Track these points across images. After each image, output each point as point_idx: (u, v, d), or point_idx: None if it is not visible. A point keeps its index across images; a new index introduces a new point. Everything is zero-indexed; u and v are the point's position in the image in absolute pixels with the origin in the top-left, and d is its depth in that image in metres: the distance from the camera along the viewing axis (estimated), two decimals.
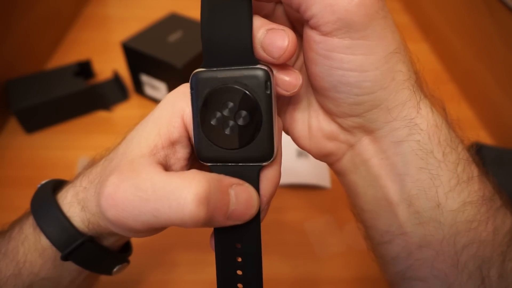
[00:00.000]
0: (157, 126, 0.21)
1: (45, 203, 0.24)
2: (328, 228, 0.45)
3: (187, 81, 0.21)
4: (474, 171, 0.21)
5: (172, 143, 0.21)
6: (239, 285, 0.22)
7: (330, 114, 0.23)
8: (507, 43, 0.53)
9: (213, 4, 0.20)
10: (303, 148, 0.25)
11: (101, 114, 0.59)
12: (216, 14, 0.20)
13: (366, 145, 0.23)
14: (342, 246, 0.43)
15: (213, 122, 0.21)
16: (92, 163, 0.25)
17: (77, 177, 0.25)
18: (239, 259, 0.22)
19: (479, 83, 0.60)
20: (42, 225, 0.23)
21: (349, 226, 0.45)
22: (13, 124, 0.56)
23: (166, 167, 0.21)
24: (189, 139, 0.22)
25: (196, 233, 0.42)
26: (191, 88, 0.21)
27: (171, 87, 0.56)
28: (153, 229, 0.20)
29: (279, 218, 0.46)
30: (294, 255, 0.43)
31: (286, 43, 0.19)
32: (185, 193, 0.18)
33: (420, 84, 0.22)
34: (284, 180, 0.48)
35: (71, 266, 0.25)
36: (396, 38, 0.20)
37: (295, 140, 0.25)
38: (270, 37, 0.19)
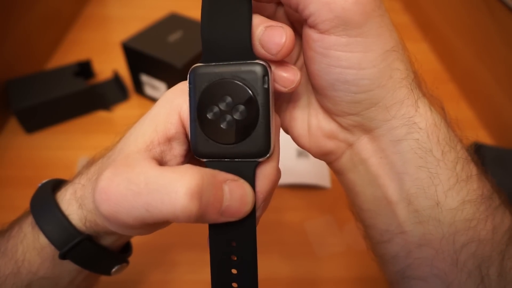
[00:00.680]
0: (154, 123, 0.21)
1: (44, 201, 0.24)
2: (328, 228, 0.45)
3: None
4: (473, 170, 0.22)
5: (169, 140, 0.21)
6: (234, 284, 0.22)
7: (329, 113, 0.23)
8: (507, 43, 0.53)
9: (214, 1, 0.20)
10: (302, 147, 0.25)
11: (101, 114, 0.59)
12: (216, 11, 0.20)
13: (365, 144, 0.23)
14: (342, 246, 0.43)
15: (210, 116, 0.21)
16: (91, 162, 0.25)
17: (76, 176, 0.25)
18: (234, 258, 0.22)
19: (479, 83, 0.60)
20: (40, 224, 0.23)
21: (349, 226, 0.45)
22: (13, 124, 0.56)
23: (162, 163, 0.21)
24: (186, 136, 0.22)
25: (196, 233, 0.42)
26: (189, 83, 0.21)
27: (171, 87, 0.56)
28: (147, 225, 0.20)
29: (279, 218, 0.46)
30: (294, 255, 0.43)
31: (283, 39, 0.19)
32: (177, 186, 0.18)
33: (418, 83, 0.22)
34: (284, 180, 0.48)
35: (70, 265, 0.24)
36: (394, 36, 0.20)
37: (294, 139, 0.25)
38: (268, 33, 0.20)
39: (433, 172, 0.21)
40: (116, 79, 0.63)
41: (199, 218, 0.18)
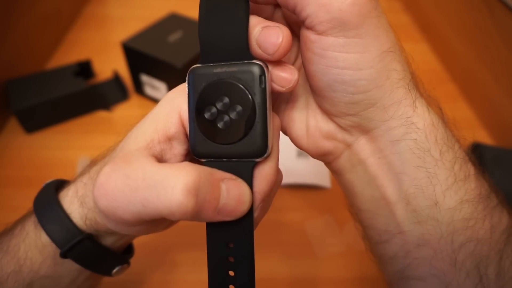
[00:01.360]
0: (155, 122, 0.21)
1: (47, 200, 0.24)
2: (328, 228, 0.45)
3: None
4: (471, 169, 0.22)
5: (169, 139, 0.21)
6: (231, 286, 0.22)
7: (327, 113, 0.23)
8: (507, 43, 0.53)
9: (211, 2, 0.21)
10: (300, 148, 0.25)
11: (101, 114, 0.59)
12: (214, 12, 0.21)
13: (363, 144, 0.23)
14: (342, 246, 0.43)
15: (207, 116, 0.21)
16: (94, 162, 0.26)
17: (79, 175, 0.26)
18: (232, 259, 0.22)
19: (479, 83, 0.60)
20: (42, 222, 0.24)
21: (349, 226, 0.45)
22: (13, 124, 0.56)
23: (161, 161, 0.21)
24: (186, 136, 0.22)
25: (196, 233, 0.42)
26: (188, 84, 0.21)
27: (171, 87, 0.56)
28: (144, 222, 0.20)
29: (279, 218, 0.46)
30: (294, 255, 0.43)
31: (280, 39, 0.19)
32: (174, 182, 0.18)
33: (416, 84, 0.22)
34: (284, 180, 0.48)
35: (71, 265, 0.25)
36: (390, 37, 0.21)
37: (292, 139, 0.26)
38: (265, 34, 0.20)
39: (431, 172, 0.21)
40: (116, 79, 0.63)
41: (195, 215, 0.18)
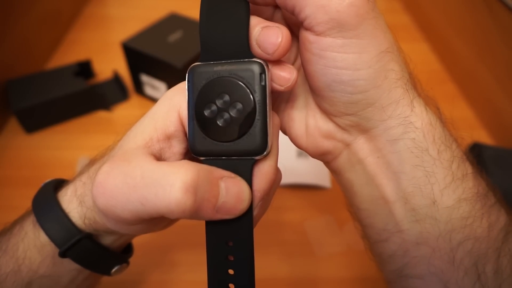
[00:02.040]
0: (154, 120, 0.21)
1: (46, 200, 0.24)
2: (328, 228, 0.45)
3: None
4: (468, 168, 0.22)
5: (168, 137, 0.21)
6: (231, 285, 0.22)
7: (326, 113, 0.23)
8: (507, 43, 0.53)
9: (212, 2, 0.21)
10: (300, 147, 0.25)
11: (101, 114, 0.59)
12: (215, 12, 0.21)
13: (362, 144, 0.23)
14: (342, 246, 0.43)
15: (207, 113, 0.21)
16: (93, 161, 0.26)
17: (78, 174, 0.26)
18: (231, 258, 0.22)
19: (479, 83, 0.60)
20: (41, 221, 0.24)
21: (349, 226, 0.45)
22: (13, 124, 0.56)
23: (160, 160, 0.21)
24: (185, 134, 0.22)
25: (196, 233, 0.42)
26: (187, 81, 0.21)
27: (171, 87, 0.56)
28: (143, 220, 0.20)
29: (279, 218, 0.46)
30: (294, 255, 0.43)
31: (279, 39, 0.20)
32: (172, 180, 0.18)
33: (414, 83, 0.22)
34: (284, 180, 0.48)
35: (70, 264, 0.25)
36: (388, 38, 0.21)
37: (292, 139, 0.26)
38: (265, 33, 0.20)
39: (429, 171, 0.21)
40: (116, 79, 0.63)
41: (193, 213, 0.18)
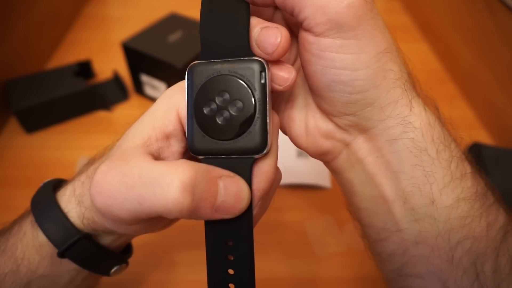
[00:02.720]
0: (152, 120, 0.21)
1: (44, 200, 0.24)
2: (328, 228, 0.45)
3: None
4: (467, 168, 0.22)
5: (167, 136, 0.21)
6: (231, 285, 0.22)
7: (326, 113, 0.23)
8: (507, 42, 0.53)
9: (213, 2, 0.21)
10: (299, 147, 0.25)
11: (101, 114, 0.60)
12: (215, 11, 0.21)
13: (361, 143, 0.23)
14: (342, 246, 0.43)
15: (206, 111, 0.21)
16: (92, 161, 0.26)
17: (77, 174, 0.26)
18: (231, 258, 0.22)
19: (479, 83, 0.60)
20: (40, 221, 0.23)
21: (349, 226, 0.45)
22: (13, 124, 0.56)
23: (159, 159, 0.21)
24: (184, 133, 0.22)
25: (196, 233, 0.42)
26: (187, 79, 0.21)
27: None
28: (141, 220, 0.20)
29: (279, 218, 0.46)
30: (294, 255, 0.43)
31: (279, 39, 0.20)
32: (170, 179, 0.18)
33: (412, 83, 0.22)
34: (284, 180, 0.47)
35: (69, 264, 0.25)
36: (387, 38, 0.21)
37: (292, 139, 0.26)
38: (264, 34, 0.20)
39: (428, 171, 0.21)
40: (116, 79, 0.63)
41: (192, 213, 0.18)
